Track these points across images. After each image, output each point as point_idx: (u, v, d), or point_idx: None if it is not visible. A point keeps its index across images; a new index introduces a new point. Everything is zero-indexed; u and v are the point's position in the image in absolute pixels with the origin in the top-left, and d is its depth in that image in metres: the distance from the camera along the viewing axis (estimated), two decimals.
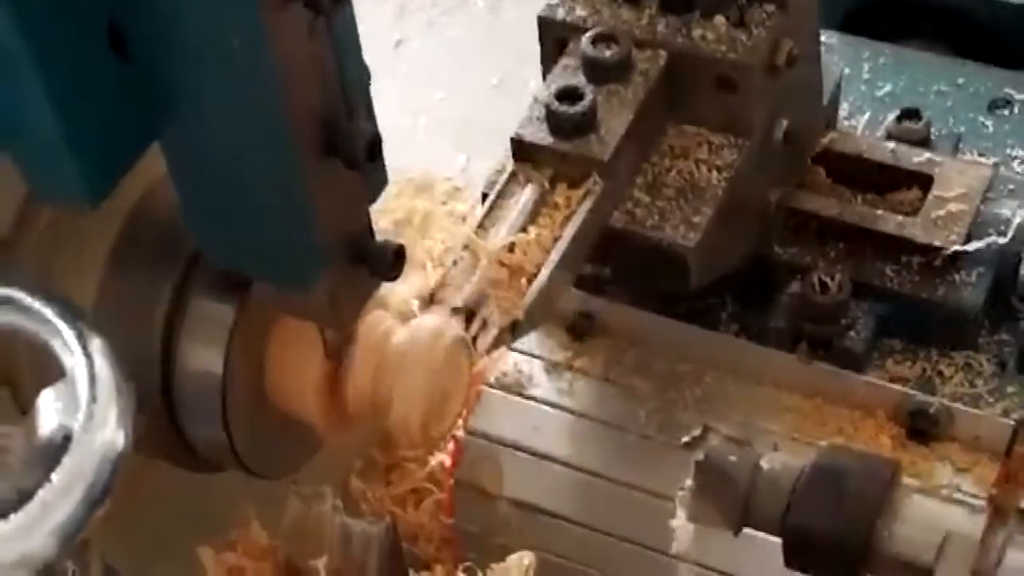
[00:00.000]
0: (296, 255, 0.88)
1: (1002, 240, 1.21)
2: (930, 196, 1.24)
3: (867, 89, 1.41)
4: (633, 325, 1.28)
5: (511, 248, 1.08)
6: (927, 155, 1.27)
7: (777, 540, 1.02)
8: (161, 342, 0.98)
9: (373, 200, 0.92)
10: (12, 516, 0.69)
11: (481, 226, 1.10)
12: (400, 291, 1.44)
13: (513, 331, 1.06)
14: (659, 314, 1.27)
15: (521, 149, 1.13)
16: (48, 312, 0.74)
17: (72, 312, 0.74)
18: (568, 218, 1.10)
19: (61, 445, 0.71)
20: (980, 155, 1.36)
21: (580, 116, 1.11)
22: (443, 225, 1.56)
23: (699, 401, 1.23)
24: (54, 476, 0.69)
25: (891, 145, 1.29)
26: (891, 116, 1.33)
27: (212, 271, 0.98)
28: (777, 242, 1.25)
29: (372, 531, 0.94)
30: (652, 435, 1.23)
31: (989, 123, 1.39)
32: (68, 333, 0.73)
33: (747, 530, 1.14)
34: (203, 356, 0.98)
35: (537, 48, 1.22)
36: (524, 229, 1.09)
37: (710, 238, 1.14)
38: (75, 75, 0.80)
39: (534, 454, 1.26)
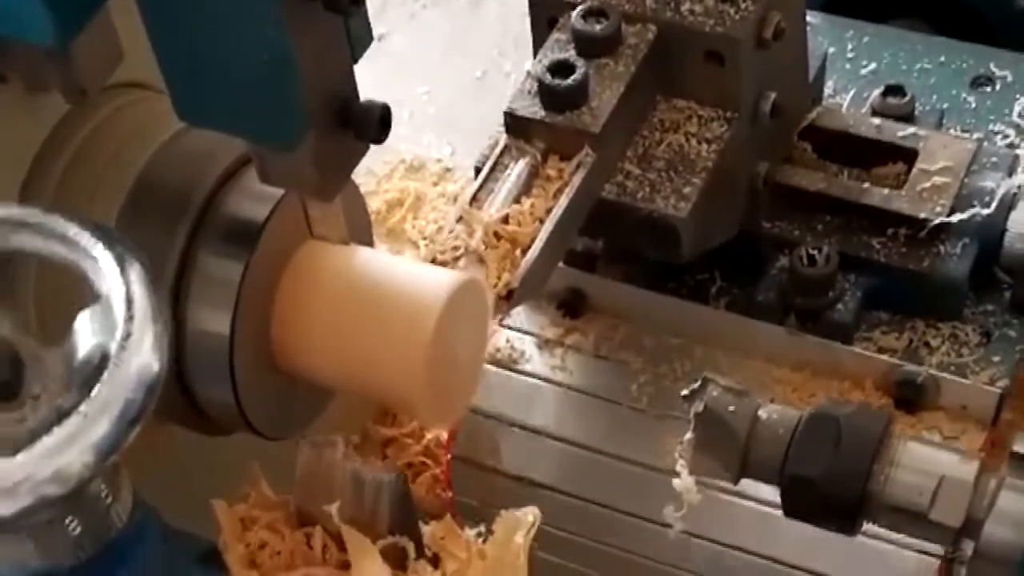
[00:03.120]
0: (277, 110, 0.85)
1: (986, 211, 1.23)
2: (915, 169, 1.25)
3: (851, 68, 1.42)
4: (624, 301, 1.29)
5: (505, 219, 1.09)
6: (912, 129, 1.28)
7: (775, 511, 1.03)
8: (169, 303, 0.99)
9: (356, 57, 0.90)
10: (52, 431, 0.70)
11: (475, 198, 1.11)
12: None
13: (509, 299, 1.08)
14: (649, 290, 1.29)
15: (514, 123, 1.14)
16: (85, 236, 0.75)
17: (109, 236, 0.76)
18: (561, 189, 1.12)
19: (98, 366, 0.72)
20: (963, 131, 1.37)
21: (572, 89, 1.12)
22: (435, 205, 1.58)
23: (690, 374, 1.25)
24: (92, 394, 0.71)
25: (876, 120, 1.30)
26: (875, 93, 1.35)
27: (219, 232, 0.99)
28: (765, 216, 1.27)
29: (384, 479, 0.94)
30: (644, 408, 1.25)
31: (972, 99, 1.40)
32: (105, 256, 0.74)
33: (744, 502, 1.17)
34: (211, 317, 0.99)
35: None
36: (518, 200, 1.11)
37: (700, 209, 1.16)
38: None
39: (529, 429, 1.27)
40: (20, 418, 0.73)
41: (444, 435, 1.33)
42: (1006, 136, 1.36)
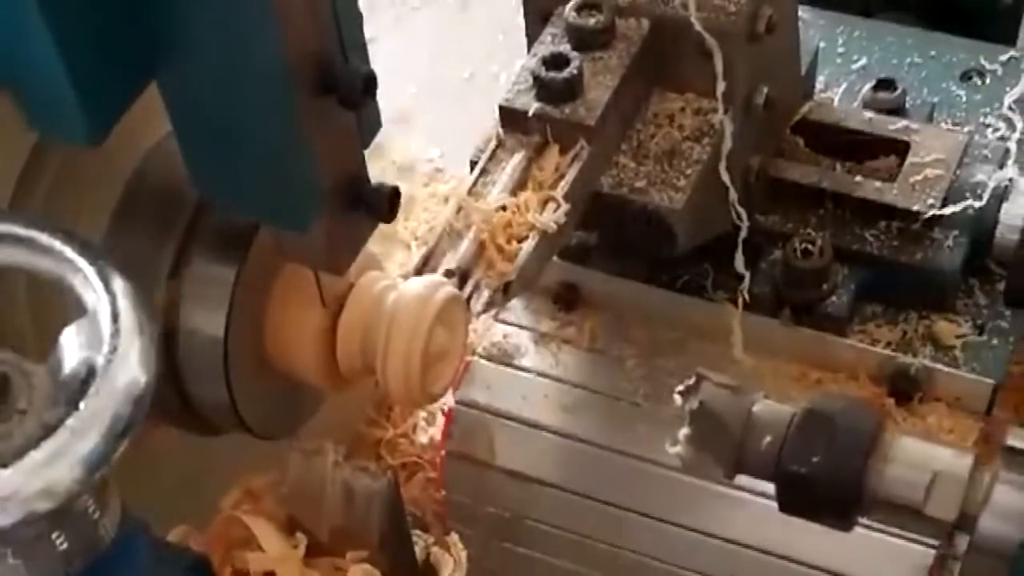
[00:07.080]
0: (293, 195, 0.89)
1: (978, 204, 1.23)
2: (907, 162, 1.26)
3: (842, 62, 1.43)
4: (618, 295, 1.30)
5: (502, 211, 1.10)
6: (903, 123, 1.28)
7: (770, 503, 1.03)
8: (164, 304, 0.99)
9: (367, 143, 0.93)
10: (39, 446, 0.69)
11: (472, 191, 1.12)
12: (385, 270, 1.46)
13: (506, 293, 1.08)
14: (644, 283, 1.29)
15: (509, 116, 1.14)
16: (69, 250, 0.74)
17: (93, 250, 0.75)
18: (556, 182, 1.12)
19: (85, 379, 0.71)
20: (954, 124, 1.37)
21: (567, 82, 1.12)
22: (426, 206, 1.58)
23: (684, 368, 1.25)
24: (80, 407, 0.70)
25: (868, 114, 1.30)
26: (866, 87, 1.35)
27: (212, 233, 0.99)
28: (758, 210, 1.27)
29: (374, 487, 0.94)
30: (639, 402, 1.25)
31: (962, 93, 1.40)
32: (90, 270, 0.73)
33: (740, 493, 1.17)
34: (205, 317, 0.99)
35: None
36: (514, 193, 1.11)
37: (695, 202, 1.16)
38: (75, 7, 0.80)
39: (524, 423, 1.28)
40: (6, 433, 0.71)
41: (438, 436, 1.33)
42: (996, 129, 1.37)
